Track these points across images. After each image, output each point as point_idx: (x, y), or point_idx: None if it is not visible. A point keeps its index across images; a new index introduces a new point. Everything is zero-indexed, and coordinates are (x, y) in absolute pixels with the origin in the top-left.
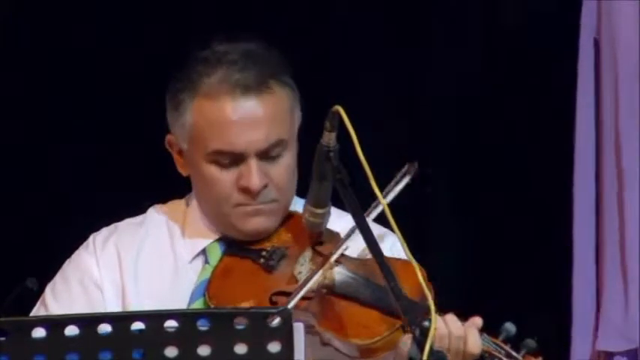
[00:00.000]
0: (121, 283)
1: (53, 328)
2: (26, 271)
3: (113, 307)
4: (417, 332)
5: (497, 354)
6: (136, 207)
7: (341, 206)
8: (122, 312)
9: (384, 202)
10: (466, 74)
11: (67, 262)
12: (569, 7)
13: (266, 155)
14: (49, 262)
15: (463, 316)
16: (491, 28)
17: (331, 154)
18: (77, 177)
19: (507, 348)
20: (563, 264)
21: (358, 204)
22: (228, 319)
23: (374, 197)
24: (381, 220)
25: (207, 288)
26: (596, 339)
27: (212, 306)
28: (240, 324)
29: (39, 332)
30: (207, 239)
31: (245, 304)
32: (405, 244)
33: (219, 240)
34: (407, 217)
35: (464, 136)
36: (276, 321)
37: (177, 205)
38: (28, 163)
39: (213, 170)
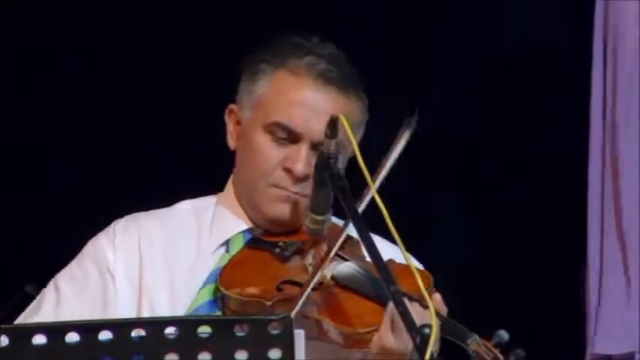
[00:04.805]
0: (138, 274)
1: (53, 335)
2: (25, 273)
3: (125, 295)
4: (418, 340)
5: (485, 355)
6: (136, 207)
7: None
8: (122, 319)
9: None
10: (469, 75)
11: (87, 245)
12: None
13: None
14: (48, 263)
15: (466, 319)
16: (496, 29)
17: (331, 160)
18: (77, 177)
19: (496, 352)
20: (566, 266)
21: (359, 212)
22: (229, 326)
23: (374, 204)
24: (381, 223)
25: (220, 274)
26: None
27: (222, 290)
28: (241, 331)
29: (39, 339)
30: (232, 230)
31: (251, 289)
32: (403, 248)
33: (244, 232)
34: (409, 218)
35: (467, 137)
36: (277, 328)
37: (208, 199)
38: (28, 163)
39: (265, 141)
